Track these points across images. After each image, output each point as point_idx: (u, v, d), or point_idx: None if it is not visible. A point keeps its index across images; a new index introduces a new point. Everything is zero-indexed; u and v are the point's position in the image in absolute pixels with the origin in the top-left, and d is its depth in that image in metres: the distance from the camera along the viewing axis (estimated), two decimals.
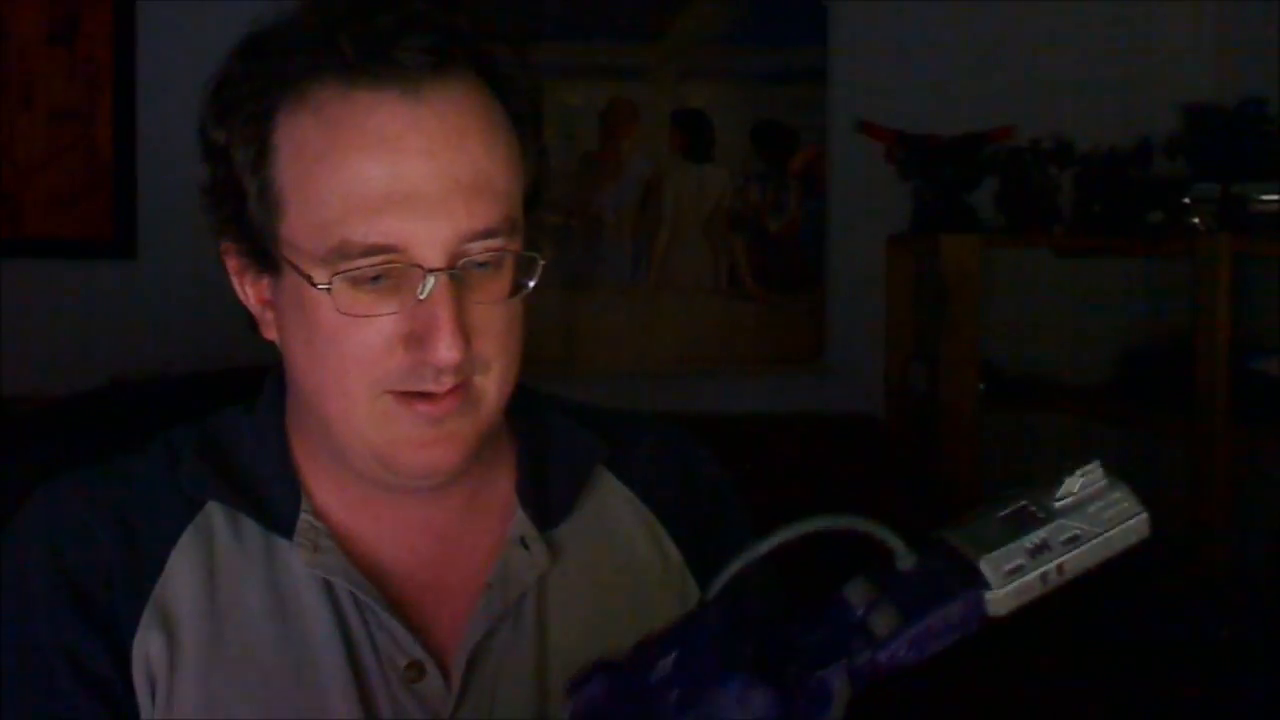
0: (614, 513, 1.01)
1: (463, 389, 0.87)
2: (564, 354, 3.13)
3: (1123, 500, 0.63)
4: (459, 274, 0.85)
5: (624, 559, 1.00)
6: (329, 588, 0.91)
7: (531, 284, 0.89)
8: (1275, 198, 2.60)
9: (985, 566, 0.59)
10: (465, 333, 0.84)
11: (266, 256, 0.88)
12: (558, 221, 3.17)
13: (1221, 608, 2.47)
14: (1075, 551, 0.61)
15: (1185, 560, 2.60)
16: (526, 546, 0.95)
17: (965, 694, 2.34)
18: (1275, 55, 2.87)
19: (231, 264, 0.92)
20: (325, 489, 0.94)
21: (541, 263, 0.89)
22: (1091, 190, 2.93)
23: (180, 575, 0.90)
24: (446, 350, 0.84)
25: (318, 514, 0.93)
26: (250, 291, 0.92)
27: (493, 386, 0.89)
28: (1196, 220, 2.65)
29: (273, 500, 0.93)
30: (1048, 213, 2.96)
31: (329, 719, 0.89)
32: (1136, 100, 3.10)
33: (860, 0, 3.19)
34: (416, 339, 0.85)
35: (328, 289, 0.84)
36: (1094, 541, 0.62)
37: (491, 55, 0.89)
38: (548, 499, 0.98)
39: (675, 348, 3.19)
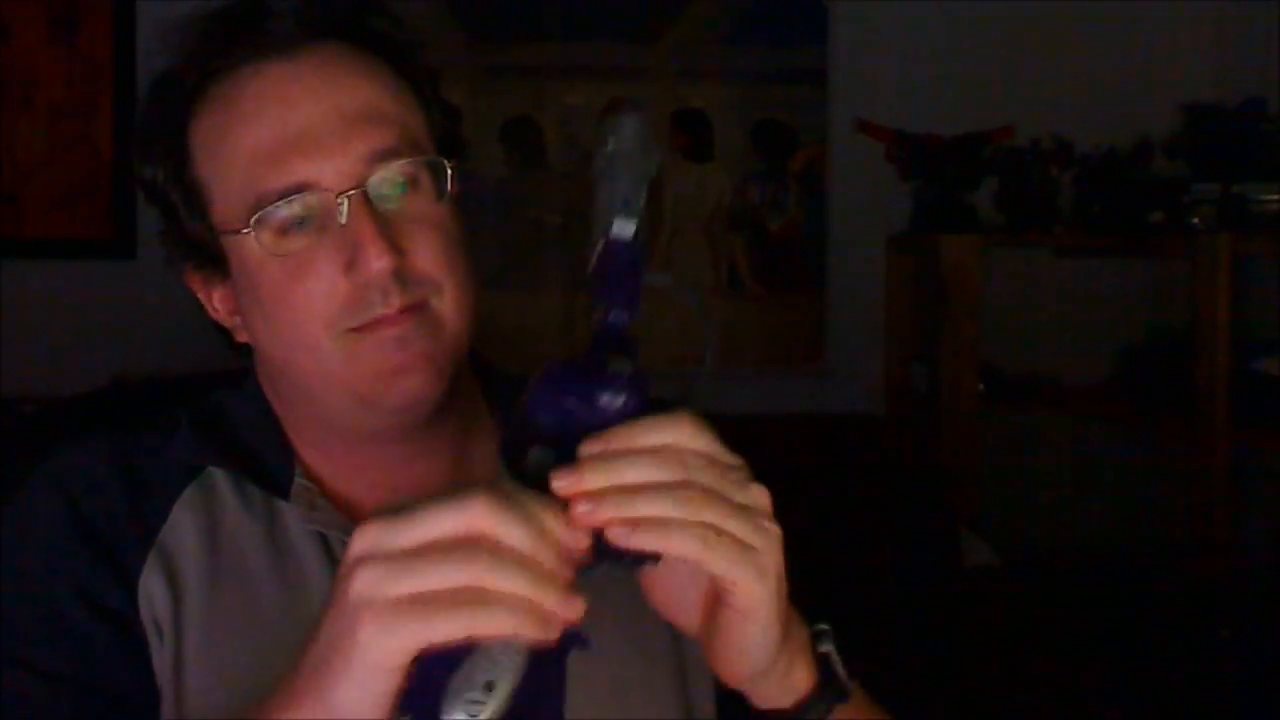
0: None
1: (417, 310, 0.89)
2: (564, 354, 3.13)
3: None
4: (370, 191, 0.88)
5: None
6: (326, 544, 0.93)
7: (449, 189, 0.92)
8: (1275, 198, 2.60)
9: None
10: (392, 243, 0.87)
11: (213, 255, 0.93)
12: (556, 220, 3.18)
13: (1221, 608, 2.47)
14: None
15: (1185, 560, 2.60)
16: None
17: (966, 694, 2.34)
18: (1275, 55, 2.88)
19: (196, 284, 0.97)
20: (315, 459, 0.97)
21: (450, 167, 0.92)
22: (1091, 190, 2.93)
23: (183, 526, 0.93)
24: (376, 259, 0.86)
25: (311, 479, 0.96)
26: (218, 304, 0.97)
27: (448, 307, 0.91)
28: (1196, 220, 2.65)
29: (267, 467, 0.96)
30: (1048, 213, 2.96)
31: None
32: (1136, 100, 3.10)
33: (860, 0, 3.20)
34: (351, 263, 0.88)
35: (250, 233, 0.89)
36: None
37: (364, 22, 0.95)
38: None
39: (675, 348, 3.19)
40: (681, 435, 0.73)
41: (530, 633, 0.68)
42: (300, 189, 0.88)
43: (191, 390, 1.06)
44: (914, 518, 2.59)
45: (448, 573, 0.67)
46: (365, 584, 0.68)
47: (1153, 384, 2.85)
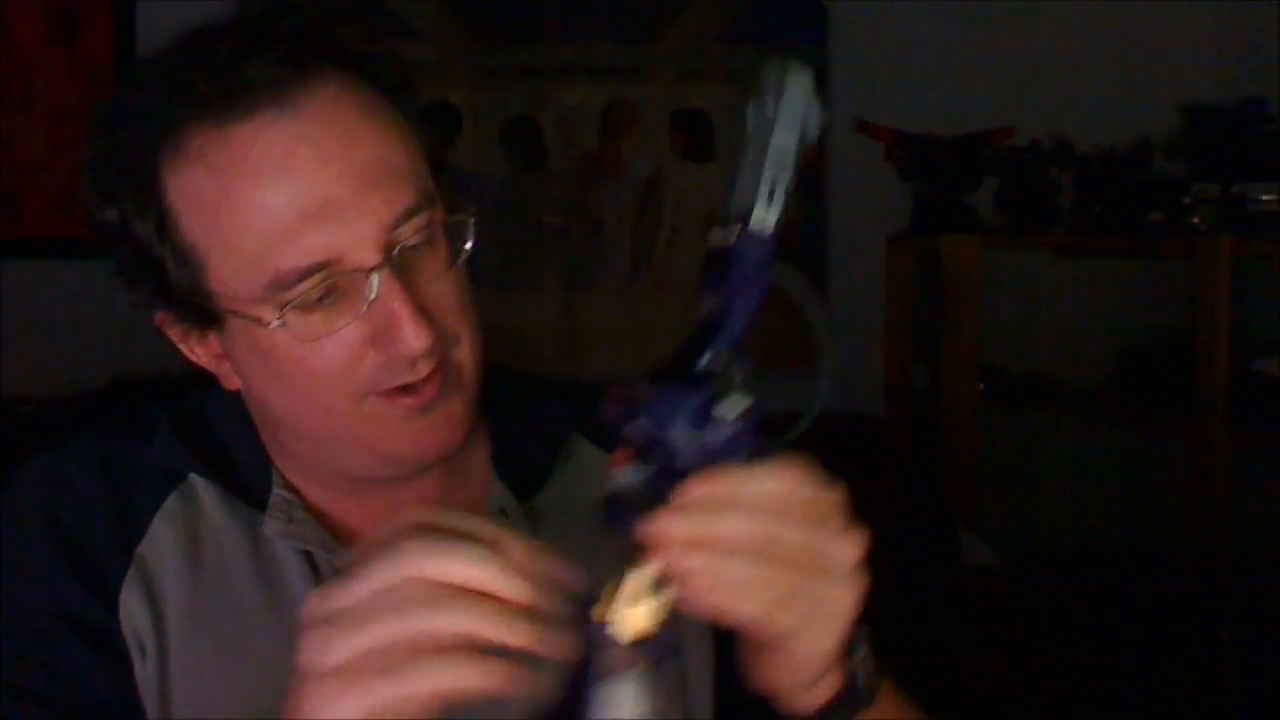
0: (593, 479, 1.00)
1: (441, 369, 0.86)
2: (564, 354, 3.13)
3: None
4: (398, 262, 0.84)
5: None
6: (310, 558, 0.91)
7: (469, 246, 0.88)
8: (1275, 198, 2.60)
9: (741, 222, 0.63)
10: (425, 315, 0.84)
11: (204, 313, 0.87)
12: (556, 220, 3.17)
13: (1221, 608, 2.47)
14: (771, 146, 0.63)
15: (1185, 560, 2.60)
16: (506, 515, 0.95)
17: (966, 693, 2.34)
18: (1275, 55, 2.87)
19: (173, 333, 0.91)
20: (295, 474, 0.94)
21: (472, 221, 0.89)
22: (1091, 190, 2.93)
23: (162, 540, 0.90)
24: (415, 339, 0.83)
25: (290, 490, 0.93)
26: (199, 352, 0.91)
27: (467, 356, 0.89)
28: (1196, 220, 2.65)
29: (245, 474, 0.93)
30: (1048, 213, 2.95)
31: None
32: (1136, 100, 3.10)
33: (860, 0, 3.19)
34: (382, 337, 0.84)
35: (281, 325, 0.83)
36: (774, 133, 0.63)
37: (343, 45, 0.88)
38: (525, 468, 0.98)
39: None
40: (786, 486, 0.71)
41: (499, 679, 0.63)
42: (323, 266, 0.82)
43: (190, 391, 1.05)
44: (914, 518, 2.58)
45: (384, 627, 0.63)
46: (307, 654, 0.65)
47: (1153, 384, 2.84)
